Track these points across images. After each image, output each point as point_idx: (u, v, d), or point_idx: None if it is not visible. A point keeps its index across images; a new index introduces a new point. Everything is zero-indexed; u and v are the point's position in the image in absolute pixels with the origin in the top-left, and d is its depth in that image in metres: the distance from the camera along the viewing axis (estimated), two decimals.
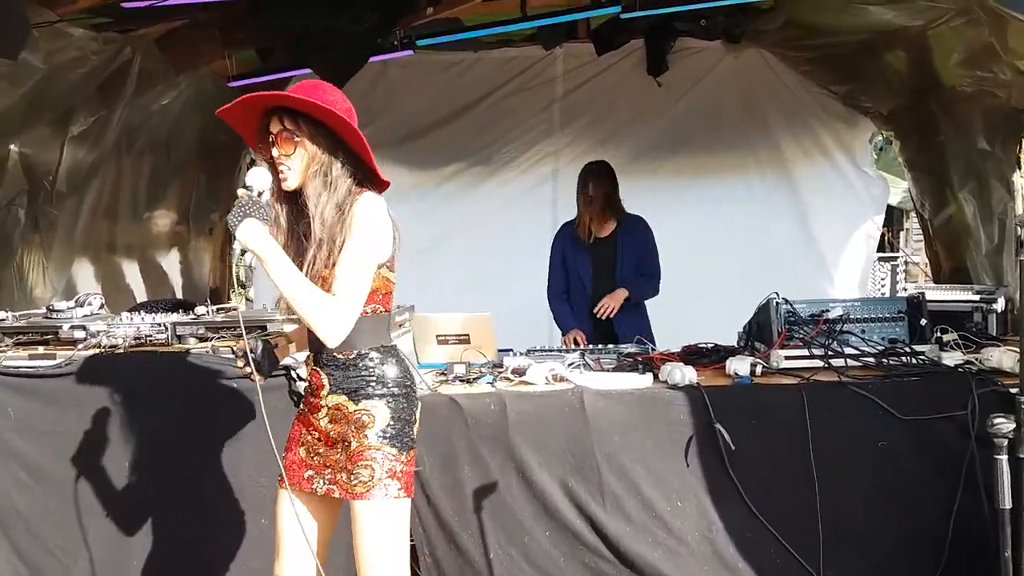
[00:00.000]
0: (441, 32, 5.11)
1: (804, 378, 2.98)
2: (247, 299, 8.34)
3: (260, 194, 2.12)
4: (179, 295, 5.67)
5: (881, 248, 7.38)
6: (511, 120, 6.13)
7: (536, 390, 3.00)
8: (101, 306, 3.55)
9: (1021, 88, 4.06)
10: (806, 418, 2.86)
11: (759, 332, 3.34)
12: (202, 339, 3.21)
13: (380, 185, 2.27)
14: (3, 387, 3.04)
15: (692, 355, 3.34)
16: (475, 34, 5.23)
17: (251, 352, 2.25)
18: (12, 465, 3.04)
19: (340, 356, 2.21)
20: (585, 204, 4.24)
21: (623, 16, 4.71)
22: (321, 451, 2.25)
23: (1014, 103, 4.19)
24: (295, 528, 2.23)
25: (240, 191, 2.11)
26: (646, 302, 4.32)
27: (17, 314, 3.49)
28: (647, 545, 2.85)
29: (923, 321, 3.25)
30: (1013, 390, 2.35)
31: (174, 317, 3.31)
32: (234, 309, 3.89)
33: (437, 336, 3.37)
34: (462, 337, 3.34)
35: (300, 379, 2.81)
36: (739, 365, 3.04)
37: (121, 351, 3.11)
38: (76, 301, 3.48)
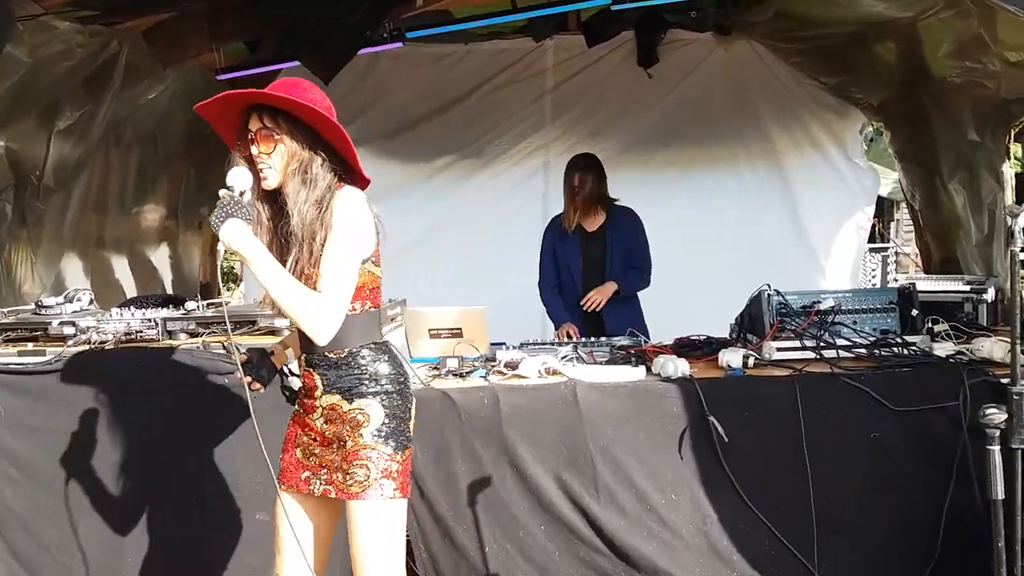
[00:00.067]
0: (431, 24, 5.09)
1: (796, 369, 2.99)
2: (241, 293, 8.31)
3: (242, 194, 2.09)
4: (169, 290, 5.63)
5: (872, 239, 7.40)
6: (502, 112, 6.11)
7: (529, 383, 3.00)
8: (91, 302, 3.52)
9: (1010, 79, 4.06)
10: (799, 409, 2.87)
11: (751, 324, 3.35)
12: (193, 334, 3.18)
13: (362, 182, 2.25)
14: None
15: (684, 347, 3.34)
16: (465, 26, 5.22)
17: (248, 363, 2.27)
18: (3, 462, 3.02)
19: (332, 355, 2.20)
20: (571, 197, 4.23)
21: (613, 7, 4.69)
22: (317, 451, 2.25)
23: (1003, 94, 4.19)
24: (293, 528, 2.23)
25: (221, 192, 2.08)
26: (638, 294, 4.32)
27: (6, 310, 3.46)
28: (642, 538, 2.86)
29: (914, 312, 3.25)
30: (1004, 380, 2.35)
31: (164, 312, 3.29)
32: (226, 303, 3.87)
33: (429, 330, 3.35)
34: (455, 331, 3.33)
35: (292, 374, 2.80)
36: (732, 357, 3.04)
37: (111, 347, 3.09)
38: (65, 297, 3.45)
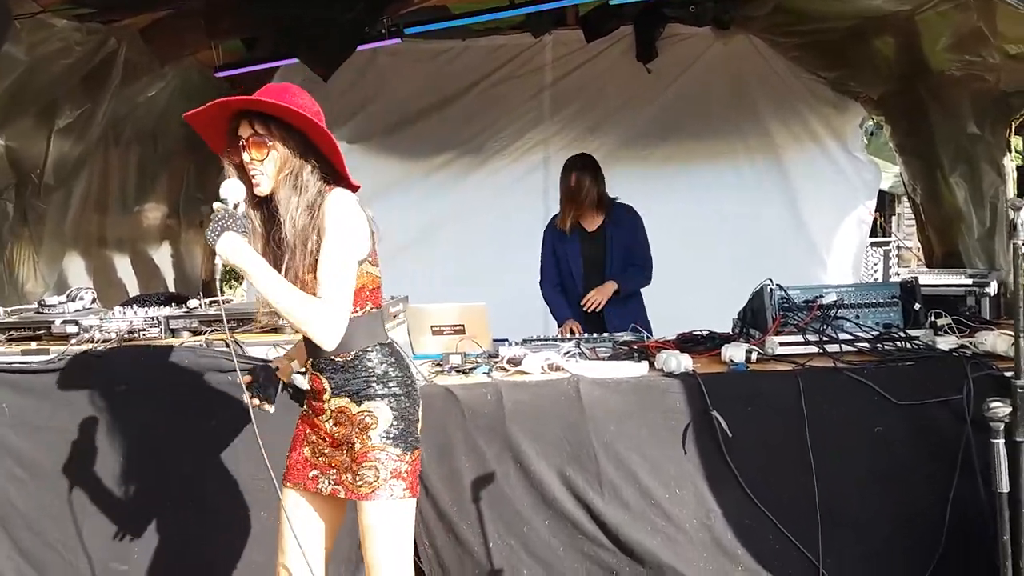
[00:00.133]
0: (429, 20, 5.08)
1: (799, 364, 2.99)
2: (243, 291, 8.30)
3: (236, 206, 2.08)
4: (171, 288, 5.63)
5: (873, 233, 7.40)
6: (501, 108, 6.09)
7: (532, 379, 3.00)
8: (93, 300, 3.52)
9: (1010, 72, 4.06)
10: (802, 404, 2.87)
11: (753, 319, 3.35)
12: (195, 332, 3.18)
13: (350, 188, 2.22)
14: None
15: (687, 343, 3.34)
16: (463, 22, 5.21)
17: (254, 382, 2.28)
18: (7, 461, 3.03)
19: (338, 359, 2.19)
20: (567, 198, 4.19)
21: (612, 2, 4.69)
22: (327, 451, 2.25)
23: (1003, 87, 4.19)
24: (298, 525, 2.24)
25: (216, 205, 2.07)
26: (641, 291, 4.30)
27: (9, 309, 3.46)
28: (646, 533, 2.86)
29: (917, 306, 3.25)
30: (1008, 374, 2.35)
31: (167, 311, 3.29)
32: (227, 302, 3.87)
33: (432, 327, 3.35)
34: (457, 328, 3.33)
35: (298, 372, 2.79)
36: (735, 352, 3.04)
37: (114, 345, 3.08)
38: (68, 296, 3.45)
